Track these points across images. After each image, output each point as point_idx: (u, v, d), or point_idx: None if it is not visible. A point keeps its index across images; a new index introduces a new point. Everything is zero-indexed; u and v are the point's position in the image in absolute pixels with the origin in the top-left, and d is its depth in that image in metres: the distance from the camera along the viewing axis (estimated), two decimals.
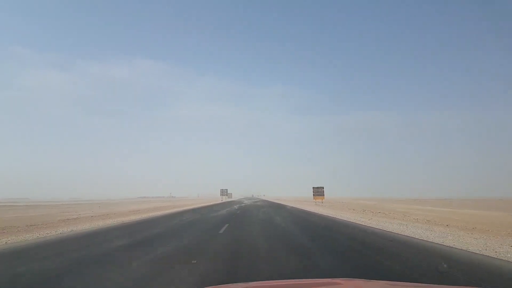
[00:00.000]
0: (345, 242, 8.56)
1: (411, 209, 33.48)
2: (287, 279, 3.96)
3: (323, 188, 42.17)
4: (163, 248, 7.25)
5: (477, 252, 6.44)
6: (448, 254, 6.32)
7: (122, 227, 12.87)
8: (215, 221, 14.84)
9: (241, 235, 9.84)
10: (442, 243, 7.59)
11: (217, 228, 11.25)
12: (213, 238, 9.04)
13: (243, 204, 39.59)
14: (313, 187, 42.32)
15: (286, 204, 44.27)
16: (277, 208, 30.56)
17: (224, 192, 66.13)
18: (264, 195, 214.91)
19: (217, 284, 2.35)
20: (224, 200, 67.53)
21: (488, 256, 6.04)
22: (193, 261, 5.54)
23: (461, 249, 6.77)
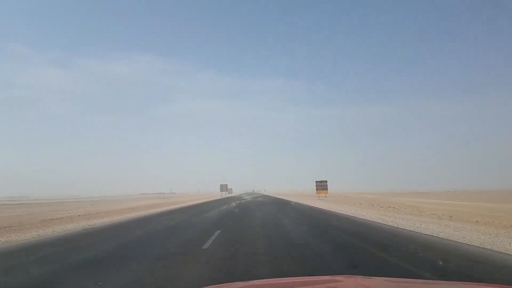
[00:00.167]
0: (398, 261, 5.13)
1: (420, 203, 31.89)
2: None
3: (326, 182, 40.55)
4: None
5: None
6: None
7: (92, 233, 10.44)
8: (204, 226, 11.09)
9: (235, 252, 6.15)
10: None
11: (202, 239, 7.54)
12: (190, 261, 5.43)
13: (243, 201, 35.97)
14: (316, 181, 40.70)
15: (289, 199, 41.70)
16: (281, 204, 26.86)
17: (223, 188, 64.33)
18: (265, 190, 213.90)
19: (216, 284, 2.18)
20: (224, 196, 65.75)
21: None
22: None
23: None
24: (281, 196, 65.18)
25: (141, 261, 5.55)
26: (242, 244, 7.12)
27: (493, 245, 6.34)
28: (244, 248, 6.65)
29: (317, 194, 41.73)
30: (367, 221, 11.81)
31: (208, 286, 2.09)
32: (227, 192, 76.52)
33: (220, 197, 59.48)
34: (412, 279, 3.27)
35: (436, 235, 7.81)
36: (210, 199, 44.81)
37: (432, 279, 3.95)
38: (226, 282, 2.99)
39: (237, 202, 32.60)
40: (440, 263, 4.99)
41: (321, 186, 40.33)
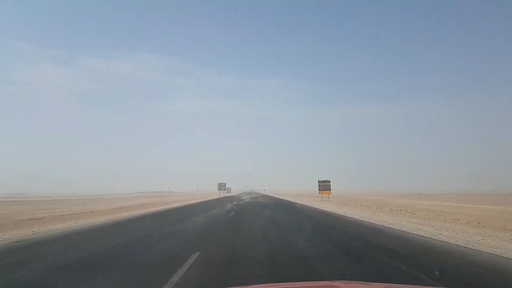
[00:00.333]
0: None
1: (431, 206, 29.89)
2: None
3: (329, 182, 38.48)
4: None
5: None
6: None
7: (52, 239, 8.86)
8: (179, 241, 7.48)
9: None
10: None
11: (164, 275, 4.30)
12: None
13: (241, 202, 30.95)
14: (318, 181, 38.63)
15: (292, 200, 37.86)
16: (284, 207, 23.03)
17: (221, 187, 62.09)
18: (264, 190, 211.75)
19: None
20: (221, 196, 63.61)
21: None
22: None
23: None
24: (282, 196, 61.31)
25: None
26: None
27: None
28: None
29: (320, 195, 39.66)
30: (406, 233, 8.70)
31: None
32: (225, 191, 74.43)
33: (217, 197, 57.39)
34: (411, 286, 3.42)
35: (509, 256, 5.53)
36: (207, 199, 42.61)
37: (433, 285, 3.84)
38: (228, 287, 2.92)
39: (234, 203, 28.53)
40: None
41: (324, 186, 38.27)
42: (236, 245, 6.87)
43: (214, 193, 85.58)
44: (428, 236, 7.97)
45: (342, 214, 15.28)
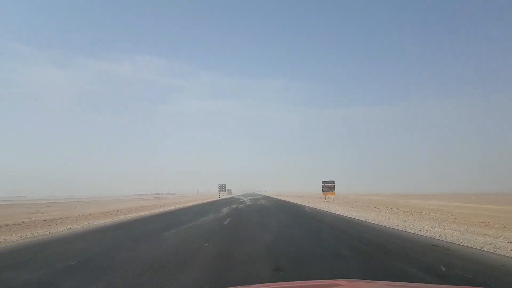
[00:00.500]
0: None
1: (441, 206, 28.17)
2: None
3: (333, 182, 36.58)
4: None
5: None
6: None
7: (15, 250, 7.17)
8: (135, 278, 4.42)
9: None
10: None
11: None
12: None
13: (240, 205, 26.53)
14: (322, 181, 36.74)
15: (297, 202, 34.04)
16: (293, 211, 19.28)
17: (221, 188, 60.12)
18: (265, 191, 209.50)
19: None
20: (221, 197, 61.66)
21: None
22: None
23: None
24: (284, 197, 58.51)
25: None
26: None
27: None
28: None
29: (324, 196, 37.84)
30: (469, 249, 6.42)
31: None
32: (225, 192, 72.56)
33: (217, 198, 55.49)
34: (413, 283, 3.35)
35: None
36: (204, 201, 40.59)
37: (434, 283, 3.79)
38: (228, 287, 2.80)
39: (233, 206, 24.61)
40: None
41: (328, 187, 36.40)
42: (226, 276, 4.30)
43: (214, 195, 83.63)
44: (498, 252, 5.82)
45: (363, 220, 12.55)
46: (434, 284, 3.58)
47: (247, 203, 30.95)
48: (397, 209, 22.29)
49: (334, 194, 36.61)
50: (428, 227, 9.63)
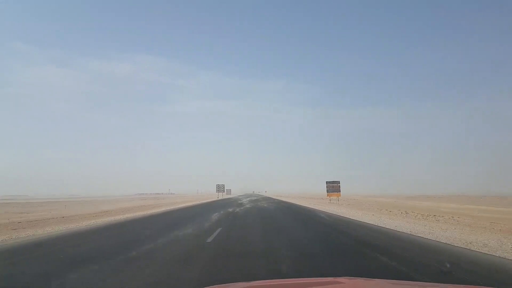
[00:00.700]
0: None
1: (456, 209, 26.22)
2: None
3: (339, 183, 34.61)
4: None
5: None
6: None
7: None
8: None
9: None
10: None
11: None
12: None
13: (238, 209, 21.59)
14: (327, 182, 34.77)
15: (302, 204, 29.70)
16: (301, 216, 15.92)
17: (220, 188, 58.04)
18: (265, 192, 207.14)
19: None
20: (220, 198, 59.58)
21: None
22: None
23: None
24: (287, 199, 54.33)
25: None
26: None
27: None
28: None
29: (328, 197, 35.84)
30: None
31: (210, 286, 2.03)
32: (224, 193, 70.52)
33: (215, 199, 53.41)
34: (412, 282, 3.46)
35: None
36: (201, 202, 38.43)
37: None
38: (229, 283, 2.66)
39: (229, 210, 20.34)
40: None
41: (333, 187, 34.42)
42: None
43: (213, 195, 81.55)
44: None
45: (391, 229, 9.78)
46: (435, 283, 3.52)
47: (247, 206, 25.96)
48: (412, 212, 20.29)
49: (340, 195, 34.64)
50: (485, 239, 7.48)
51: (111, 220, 14.48)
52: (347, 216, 15.30)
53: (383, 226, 10.63)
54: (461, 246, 6.65)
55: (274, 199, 52.47)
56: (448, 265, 4.81)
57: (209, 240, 7.61)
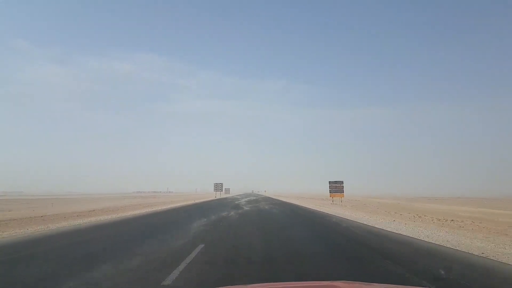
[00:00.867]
0: None
1: (476, 213, 24.21)
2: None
3: (342, 183, 32.62)
4: None
5: None
6: None
7: None
8: None
9: None
10: None
11: None
12: None
13: (233, 212, 17.97)
14: (329, 182, 32.77)
15: (308, 206, 25.97)
16: (312, 223, 12.46)
17: (218, 187, 55.88)
18: (265, 191, 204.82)
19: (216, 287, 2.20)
20: (217, 197, 57.41)
21: None
22: None
23: None
24: (288, 199, 50.36)
25: None
26: None
27: None
28: None
29: (331, 198, 33.80)
30: None
31: None
32: (223, 192, 68.45)
33: (212, 198, 51.28)
34: (410, 287, 3.34)
35: None
36: (195, 202, 36.09)
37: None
38: (226, 286, 2.66)
39: (223, 214, 16.40)
40: None
41: (336, 188, 32.42)
42: None
43: (211, 194, 79.49)
44: None
45: (425, 240, 7.70)
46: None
47: (245, 208, 21.64)
48: (425, 216, 18.26)
49: (343, 196, 32.61)
50: None
51: (94, 220, 12.48)
52: (362, 222, 12.67)
53: (413, 236, 8.38)
54: None
55: (275, 199, 47.81)
56: None
57: (166, 282, 3.97)
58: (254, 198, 54.03)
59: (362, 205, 31.94)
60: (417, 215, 19.22)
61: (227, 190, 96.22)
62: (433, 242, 7.39)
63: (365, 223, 12.43)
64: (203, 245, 6.64)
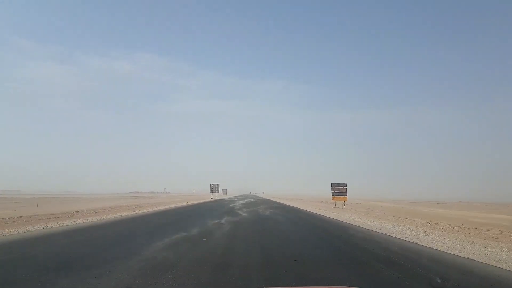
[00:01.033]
0: None
1: (485, 218, 22.70)
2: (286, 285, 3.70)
3: (345, 185, 31.01)
4: None
5: None
6: None
7: None
8: None
9: None
10: None
11: None
12: None
13: (223, 220, 14.37)
14: (332, 184, 31.17)
15: (312, 210, 23.72)
16: (334, 239, 9.15)
17: (214, 188, 53.98)
18: (263, 193, 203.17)
19: None
20: (213, 198, 55.46)
21: None
22: None
23: None
24: (289, 202, 46.31)
25: None
26: None
27: None
28: None
29: (333, 200, 32.19)
30: None
31: None
32: (220, 193, 66.67)
33: (208, 199, 49.43)
34: None
35: None
36: (188, 203, 34.02)
37: None
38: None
39: (214, 221, 13.54)
40: None
41: (339, 190, 30.81)
42: None
43: (208, 195, 77.60)
44: None
45: (462, 256, 6.25)
46: None
47: (243, 215, 17.63)
48: (441, 223, 16.68)
49: (346, 199, 31.02)
50: None
51: (70, 223, 10.69)
52: (395, 235, 9.81)
53: (447, 251, 6.64)
54: None
55: (274, 202, 43.89)
56: None
57: None
58: (252, 200, 51.23)
59: (366, 209, 30.35)
60: (431, 221, 17.65)
61: (224, 191, 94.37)
62: (505, 268, 5.43)
63: (399, 237, 9.58)
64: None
